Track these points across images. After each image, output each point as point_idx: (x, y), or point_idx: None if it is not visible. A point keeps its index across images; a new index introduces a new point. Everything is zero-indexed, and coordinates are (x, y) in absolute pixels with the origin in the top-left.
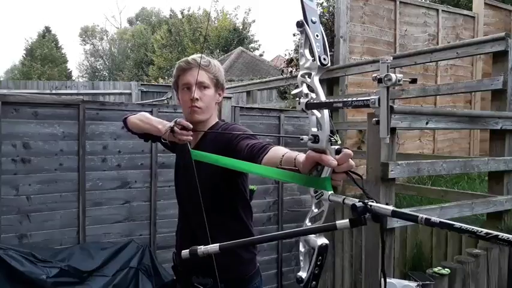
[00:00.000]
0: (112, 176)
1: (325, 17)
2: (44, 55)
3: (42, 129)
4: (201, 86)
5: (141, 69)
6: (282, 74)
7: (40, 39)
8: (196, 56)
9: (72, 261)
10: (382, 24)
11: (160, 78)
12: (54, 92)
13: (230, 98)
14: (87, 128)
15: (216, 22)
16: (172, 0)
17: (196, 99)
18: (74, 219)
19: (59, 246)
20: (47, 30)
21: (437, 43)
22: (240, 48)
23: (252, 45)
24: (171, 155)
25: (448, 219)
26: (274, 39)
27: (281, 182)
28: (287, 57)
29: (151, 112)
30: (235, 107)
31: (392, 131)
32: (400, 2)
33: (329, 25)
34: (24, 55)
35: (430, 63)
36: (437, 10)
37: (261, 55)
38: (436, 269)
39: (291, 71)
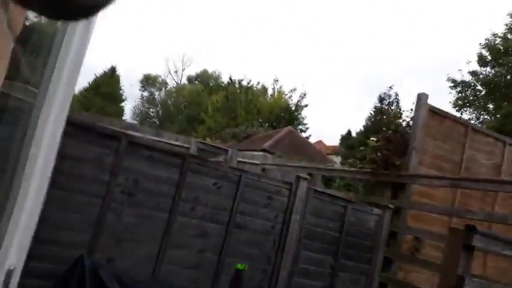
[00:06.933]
0: (194, 224)
1: (405, 127)
2: (108, 92)
3: (152, 170)
4: None
5: (191, 125)
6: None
7: (107, 77)
8: None
9: None
10: (453, 145)
11: (207, 138)
12: None
13: (307, 178)
14: (187, 177)
15: (271, 99)
16: (236, 70)
17: None
18: (155, 254)
19: (136, 276)
20: (113, 70)
21: (500, 173)
22: (290, 127)
23: (300, 126)
24: (250, 216)
25: None
26: (322, 124)
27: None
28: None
29: (240, 177)
30: (310, 188)
31: (471, 248)
32: (472, 129)
33: (406, 135)
34: (86, 87)
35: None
36: (504, 142)
37: (307, 137)
38: None
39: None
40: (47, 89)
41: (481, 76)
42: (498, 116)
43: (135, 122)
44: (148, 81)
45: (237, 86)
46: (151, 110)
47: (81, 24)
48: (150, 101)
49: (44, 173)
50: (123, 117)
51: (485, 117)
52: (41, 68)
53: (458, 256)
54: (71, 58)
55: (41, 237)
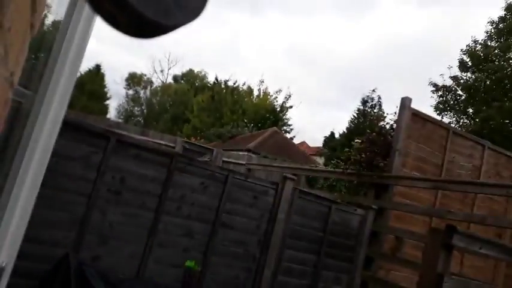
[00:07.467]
0: (180, 223)
1: (388, 130)
2: (92, 90)
3: (139, 168)
4: None
5: (176, 124)
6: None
7: (92, 75)
8: None
9: None
10: (434, 148)
11: (192, 138)
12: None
13: (293, 179)
14: (174, 176)
15: (256, 99)
16: (221, 71)
17: None
18: (140, 253)
19: (121, 274)
20: (98, 67)
21: (479, 175)
22: (275, 128)
23: (284, 127)
24: (236, 215)
25: None
26: (305, 126)
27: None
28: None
29: (226, 177)
30: (295, 188)
31: (450, 247)
32: (453, 132)
33: (389, 137)
34: None
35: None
36: (483, 146)
37: (291, 138)
38: None
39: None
40: (45, 91)
41: (461, 81)
42: (477, 120)
43: (120, 120)
44: (133, 80)
45: (222, 86)
46: (136, 108)
47: (80, 27)
48: (135, 99)
49: (37, 174)
50: (108, 116)
51: (465, 121)
52: (35, 69)
53: (438, 255)
54: (70, 59)
55: (26, 235)
